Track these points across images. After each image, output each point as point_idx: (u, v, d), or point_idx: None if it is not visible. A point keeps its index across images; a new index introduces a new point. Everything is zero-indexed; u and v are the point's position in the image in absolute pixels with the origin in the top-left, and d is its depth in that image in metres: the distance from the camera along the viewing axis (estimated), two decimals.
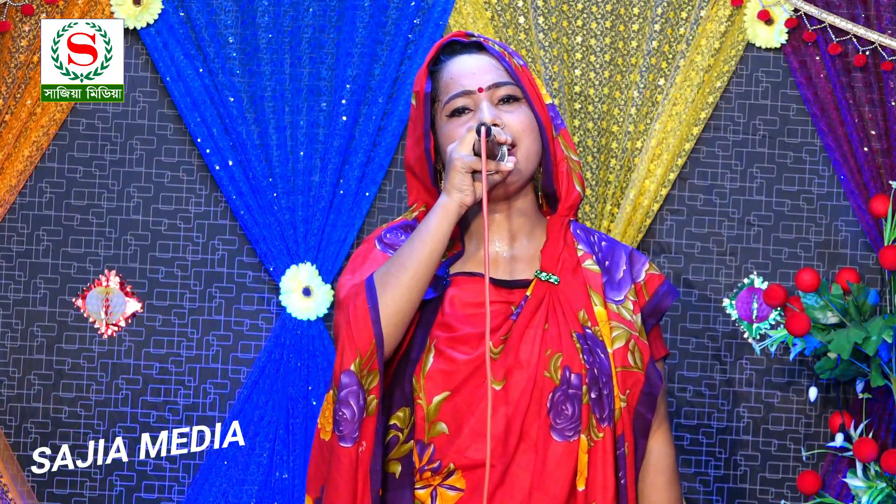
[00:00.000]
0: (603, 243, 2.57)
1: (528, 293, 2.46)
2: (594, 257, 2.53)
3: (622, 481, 2.46)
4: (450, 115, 2.47)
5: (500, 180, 2.42)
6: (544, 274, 2.48)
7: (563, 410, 2.42)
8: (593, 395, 2.43)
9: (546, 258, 2.50)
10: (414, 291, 2.38)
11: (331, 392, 2.40)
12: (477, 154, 2.37)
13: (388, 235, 2.51)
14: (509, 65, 2.47)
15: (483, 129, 2.35)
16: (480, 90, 2.46)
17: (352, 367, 2.36)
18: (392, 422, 2.42)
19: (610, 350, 2.46)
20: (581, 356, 2.44)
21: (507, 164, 2.40)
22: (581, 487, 2.41)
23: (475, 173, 2.39)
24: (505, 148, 2.40)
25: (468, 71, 2.47)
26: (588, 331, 2.46)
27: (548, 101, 2.51)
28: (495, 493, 2.40)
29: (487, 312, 2.37)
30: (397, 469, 2.42)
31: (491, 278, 2.45)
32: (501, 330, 2.43)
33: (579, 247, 2.53)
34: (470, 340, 2.42)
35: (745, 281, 3.57)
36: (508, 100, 2.47)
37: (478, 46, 2.51)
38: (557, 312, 2.46)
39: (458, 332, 2.42)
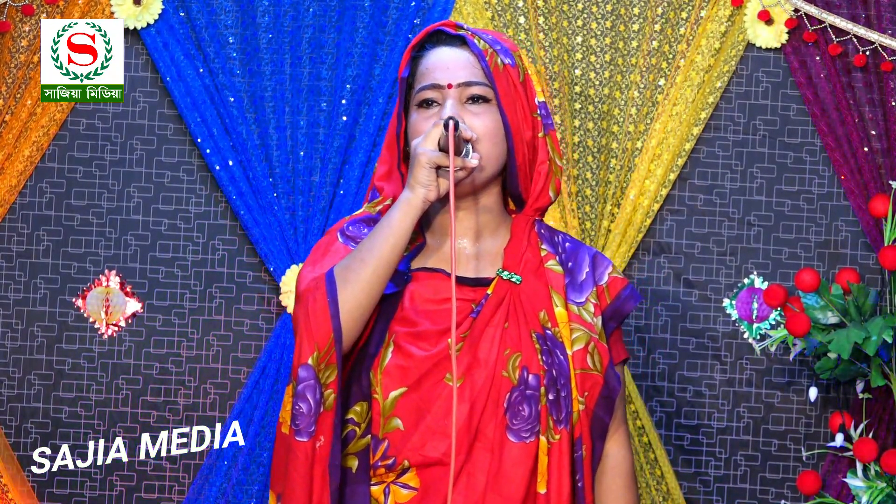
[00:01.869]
0: (567, 244, 2.56)
1: (489, 291, 2.45)
2: (557, 258, 2.52)
3: (579, 484, 2.45)
4: (418, 105, 2.47)
5: (464, 176, 2.41)
6: (506, 273, 2.47)
7: (519, 411, 2.41)
8: (551, 397, 2.42)
9: (509, 257, 2.49)
10: (374, 286, 2.38)
11: (289, 387, 2.40)
12: (442, 149, 2.37)
13: (350, 228, 2.50)
14: (487, 64, 2.45)
15: (451, 123, 2.34)
16: (450, 86, 2.45)
17: (309, 361, 2.35)
18: (349, 416, 2.40)
19: (569, 352, 2.45)
20: (539, 357, 2.43)
21: (472, 160, 2.39)
22: (542, 490, 2.40)
23: (439, 168, 2.38)
24: (469, 145, 2.39)
25: (443, 65, 2.47)
26: (548, 331, 2.45)
27: (540, 98, 2.50)
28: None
29: (454, 310, 2.36)
30: (354, 464, 2.40)
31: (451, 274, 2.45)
32: (462, 327, 2.42)
33: (543, 247, 2.53)
34: (429, 337, 2.41)
35: (745, 281, 3.57)
36: (477, 100, 2.46)
37: (461, 40, 2.49)
38: (518, 312, 2.45)
39: (417, 327, 2.41)
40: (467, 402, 2.39)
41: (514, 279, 2.47)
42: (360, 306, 2.37)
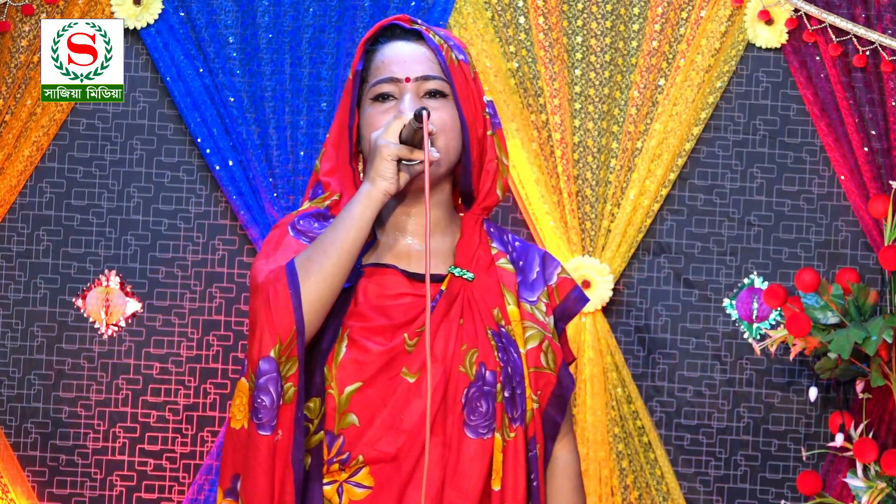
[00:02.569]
0: (517, 243, 2.56)
1: (443, 287, 2.43)
2: (508, 256, 2.51)
3: (534, 483, 2.44)
4: (373, 98, 2.44)
5: (422, 170, 2.39)
6: (458, 269, 2.45)
7: (477, 407, 2.39)
8: (507, 394, 2.41)
9: (461, 254, 2.47)
10: (336, 278, 2.36)
11: (244, 380, 2.38)
12: (403, 142, 2.36)
13: (301, 222, 2.47)
14: (444, 59, 2.44)
15: (425, 113, 2.32)
16: (408, 80, 2.43)
17: (271, 354, 2.32)
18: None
19: (522, 350, 2.44)
20: (496, 353, 2.41)
21: (433, 153, 2.36)
22: (497, 487, 2.39)
23: (400, 161, 2.38)
24: (429, 139, 2.37)
25: (400, 58, 2.45)
26: (502, 329, 2.44)
27: (487, 97, 2.49)
28: (406, 489, 2.36)
29: (428, 307, 2.34)
30: (307, 461, 2.38)
31: (404, 271, 2.44)
32: (416, 323, 2.40)
33: (493, 245, 2.51)
34: (384, 331, 2.39)
35: (745, 281, 3.58)
36: (434, 94, 2.44)
37: (417, 35, 2.48)
38: (473, 309, 2.44)
39: (372, 322, 2.40)
40: (423, 397, 2.37)
41: (466, 276, 2.45)
42: (322, 298, 2.35)
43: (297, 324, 2.33)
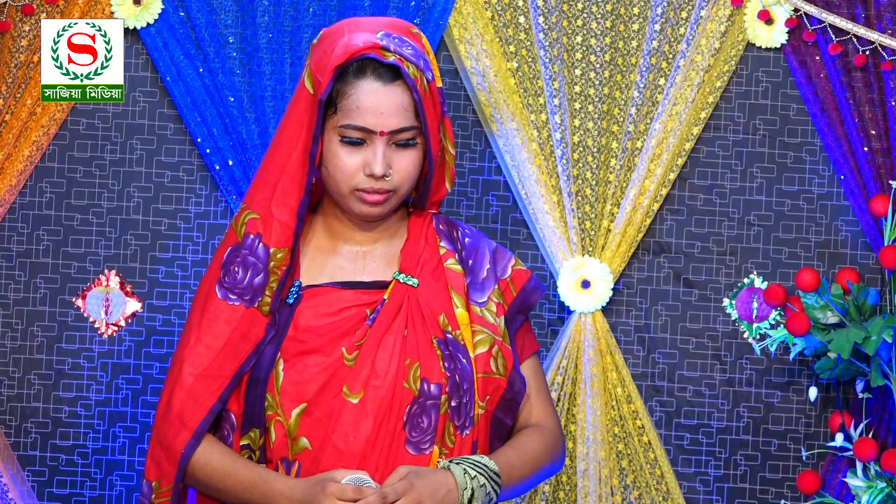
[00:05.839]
0: (466, 239, 2.48)
1: (385, 296, 2.36)
2: (457, 255, 2.44)
3: None
4: (343, 139, 2.36)
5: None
6: (402, 276, 2.39)
7: (419, 423, 2.33)
8: (453, 404, 2.35)
9: (406, 259, 2.41)
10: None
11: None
12: None
13: (226, 279, 2.37)
14: (420, 98, 2.34)
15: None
16: (382, 134, 2.34)
17: (153, 484, 2.37)
18: (245, 442, 2.34)
19: (472, 355, 2.37)
20: (441, 363, 2.35)
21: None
22: None
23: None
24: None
25: (377, 109, 2.33)
26: (448, 335, 2.37)
27: (438, 84, 2.40)
28: None
29: None
30: None
31: (343, 283, 2.38)
32: (356, 335, 2.33)
33: (442, 244, 2.44)
34: (323, 347, 2.32)
35: (745, 281, 3.57)
36: (405, 145, 2.36)
37: (394, 70, 2.34)
38: (416, 318, 2.37)
39: (307, 343, 2.33)
40: (369, 417, 2.31)
41: (409, 282, 2.38)
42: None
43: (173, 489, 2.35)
